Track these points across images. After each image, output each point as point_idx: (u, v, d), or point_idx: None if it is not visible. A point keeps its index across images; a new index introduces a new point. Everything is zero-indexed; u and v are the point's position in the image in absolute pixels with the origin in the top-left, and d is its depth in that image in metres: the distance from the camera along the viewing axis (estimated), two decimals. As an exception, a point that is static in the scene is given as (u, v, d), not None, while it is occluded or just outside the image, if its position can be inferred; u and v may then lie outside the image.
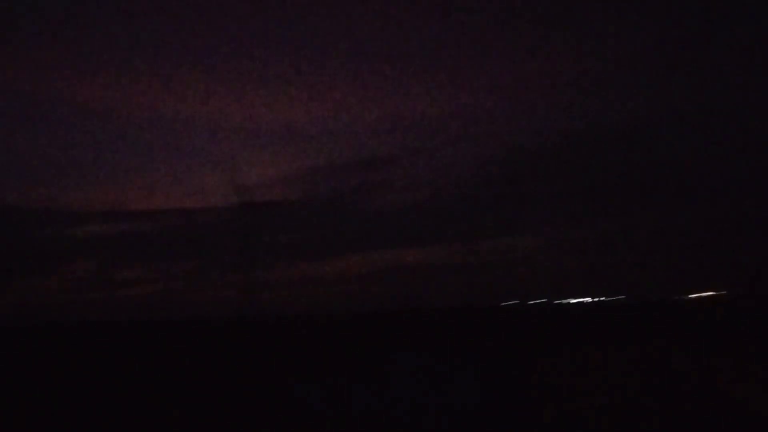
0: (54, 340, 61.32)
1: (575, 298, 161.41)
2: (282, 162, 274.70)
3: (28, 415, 15.25)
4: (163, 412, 14.98)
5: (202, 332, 70.28)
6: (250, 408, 15.37)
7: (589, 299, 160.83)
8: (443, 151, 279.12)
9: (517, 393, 15.90)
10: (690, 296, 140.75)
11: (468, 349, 29.79)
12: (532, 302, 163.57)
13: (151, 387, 20.15)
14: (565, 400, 14.38)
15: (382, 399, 15.97)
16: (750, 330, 33.95)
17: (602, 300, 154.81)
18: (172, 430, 12.96)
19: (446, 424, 12.60)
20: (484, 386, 17.71)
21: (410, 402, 15.34)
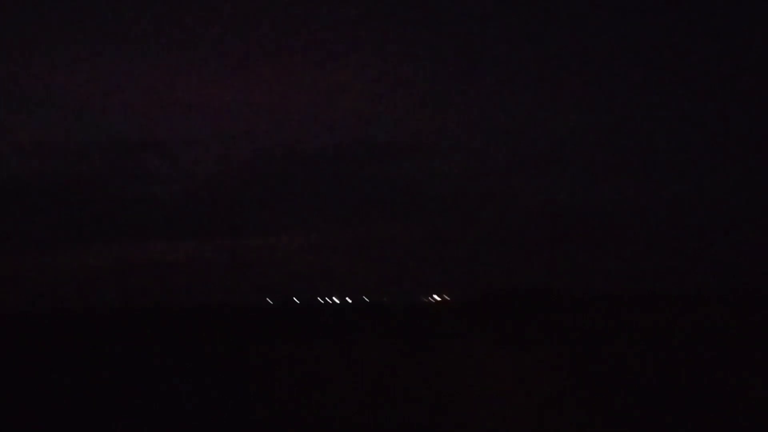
0: None
1: (341, 298, 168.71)
2: (45, 131, 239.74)
3: None
4: None
5: None
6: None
7: (337, 300, 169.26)
8: (218, 142, 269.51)
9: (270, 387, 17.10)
10: (430, 298, 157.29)
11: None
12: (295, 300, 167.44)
13: None
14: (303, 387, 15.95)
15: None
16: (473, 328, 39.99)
17: (362, 300, 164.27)
18: None
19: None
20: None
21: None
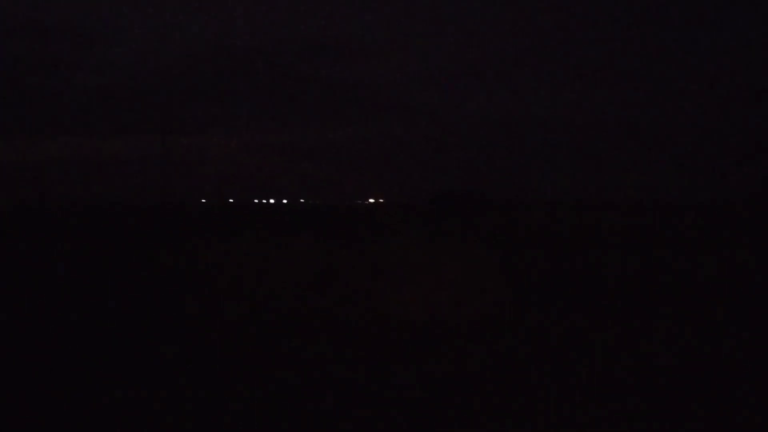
0: None
1: (277, 200, 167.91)
2: None
3: None
4: None
5: None
6: None
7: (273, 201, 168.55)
8: (146, 34, 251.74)
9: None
10: (362, 202, 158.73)
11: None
12: (231, 201, 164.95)
13: None
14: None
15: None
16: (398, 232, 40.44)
17: (298, 202, 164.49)
18: None
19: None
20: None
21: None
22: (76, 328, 11.73)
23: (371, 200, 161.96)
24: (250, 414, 7.15)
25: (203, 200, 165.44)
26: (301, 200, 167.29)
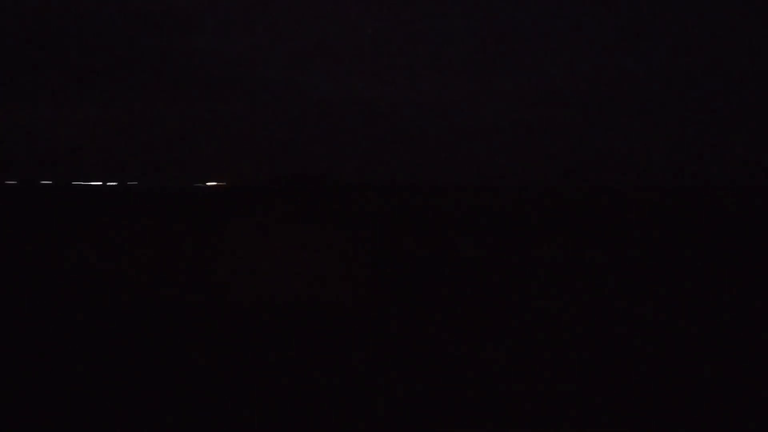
0: None
1: (112, 180, 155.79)
2: None
3: None
4: None
5: None
6: None
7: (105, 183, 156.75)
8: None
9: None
10: (200, 185, 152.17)
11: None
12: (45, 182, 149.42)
13: None
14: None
15: None
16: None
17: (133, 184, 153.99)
18: None
19: None
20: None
21: None
22: None
23: (212, 183, 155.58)
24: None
25: (12, 181, 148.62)
26: (133, 182, 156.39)
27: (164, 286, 13.00)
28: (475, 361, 7.76)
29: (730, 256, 18.39)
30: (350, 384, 6.82)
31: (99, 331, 9.15)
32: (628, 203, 61.60)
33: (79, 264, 16.30)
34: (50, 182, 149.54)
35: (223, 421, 5.76)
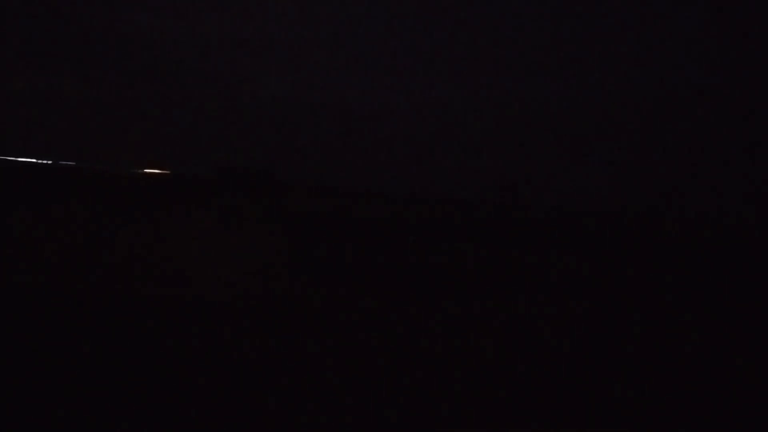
0: None
1: (22, 158, 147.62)
2: None
3: None
4: None
5: None
6: None
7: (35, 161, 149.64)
8: None
9: None
10: (145, 170, 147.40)
11: None
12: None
13: None
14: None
15: None
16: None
17: (47, 163, 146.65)
18: None
19: None
20: None
21: None
22: None
23: (153, 170, 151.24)
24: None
25: None
26: (66, 162, 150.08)
27: (88, 274, 12.86)
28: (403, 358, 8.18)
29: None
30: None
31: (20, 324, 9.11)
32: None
33: None
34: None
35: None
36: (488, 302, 13.24)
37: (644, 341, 10.42)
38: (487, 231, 39.17)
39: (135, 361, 7.37)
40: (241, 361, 7.68)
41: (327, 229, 30.14)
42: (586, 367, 8.56)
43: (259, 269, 15.29)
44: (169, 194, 55.85)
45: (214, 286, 12.54)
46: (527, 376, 7.99)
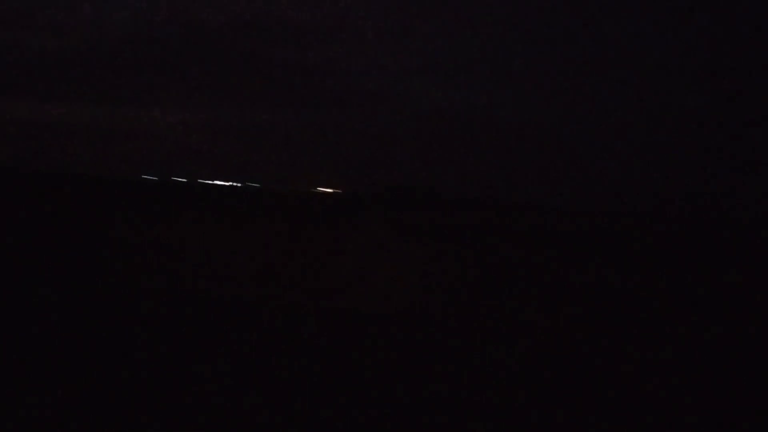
0: None
1: (217, 180, 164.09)
2: None
3: None
4: None
5: None
6: None
7: (228, 183, 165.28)
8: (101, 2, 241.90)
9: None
10: (318, 189, 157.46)
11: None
12: (175, 179, 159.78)
13: None
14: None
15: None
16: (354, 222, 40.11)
17: (238, 185, 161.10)
18: None
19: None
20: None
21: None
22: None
23: (325, 189, 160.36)
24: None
25: (145, 176, 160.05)
26: (248, 183, 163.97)
27: (263, 287, 13.71)
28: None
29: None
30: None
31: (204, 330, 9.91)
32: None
33: (187, 263, 17.60)
34: (177, 178, 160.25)
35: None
36: (667, 319, 12.11)
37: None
38: (665, 246, 36.23)
39: (310, 379, 7.61)
40: (410, 371, 7.67)
41: (490, 242, 29.79)
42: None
43: (427, 283, 15.36)
44: (339, 211, 58.87)
45: (383, 299, 12.76)
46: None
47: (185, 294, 11.92)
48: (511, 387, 7.42)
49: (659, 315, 13.07)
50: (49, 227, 23.41)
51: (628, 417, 6.67)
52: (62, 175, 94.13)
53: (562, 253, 26.38)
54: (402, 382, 7.33)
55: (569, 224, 61.07)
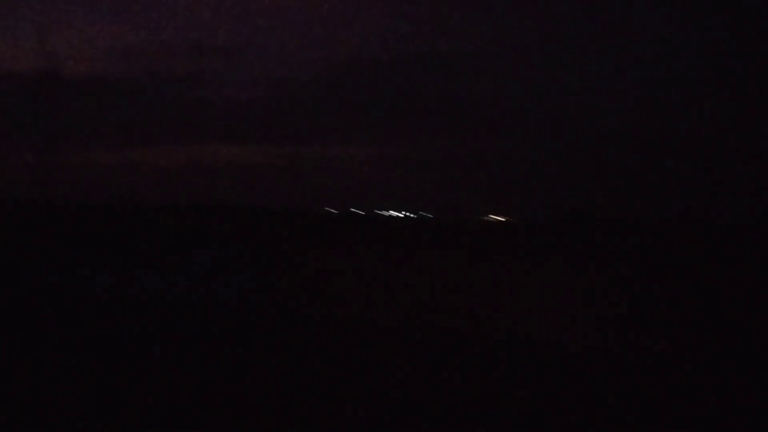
0: None
1: (391, 211, 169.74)
2: (100, 32, 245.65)
3: None
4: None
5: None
6: (34, 285, 15.19)
7: (402, 214, 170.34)
8: (285, 48, 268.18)
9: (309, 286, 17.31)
10: (486, 218, 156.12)
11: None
12: (354, 210, 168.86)
13: None
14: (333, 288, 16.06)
15: (176, 286, 16.60)
16: (525, 248, 39.68)
17: (412, 216, 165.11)
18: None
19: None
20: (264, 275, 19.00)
21: (203, 290, 16.10)
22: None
23: (495, 217, 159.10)
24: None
25: (328, 208, 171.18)
26: (421, 213, 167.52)
27: (448, 319, 13.90)
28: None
29: None
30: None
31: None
32: None
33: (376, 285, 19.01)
34: (354, 210, 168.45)
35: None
36: None
37: None
38: None
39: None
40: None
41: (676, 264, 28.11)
42: None
43: (608, 313, 14.98)
44: (512, 239, 58.34)
45: (565, 331, 12.30)
46: None
47: (361, 321, 12.57)
48: None
49: None
50: (244, 256, 26.57)
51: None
52: (257, 210, 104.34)
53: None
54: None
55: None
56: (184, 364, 8.54)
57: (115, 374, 7.80)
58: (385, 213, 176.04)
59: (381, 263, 26.36)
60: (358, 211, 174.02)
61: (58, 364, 8.15)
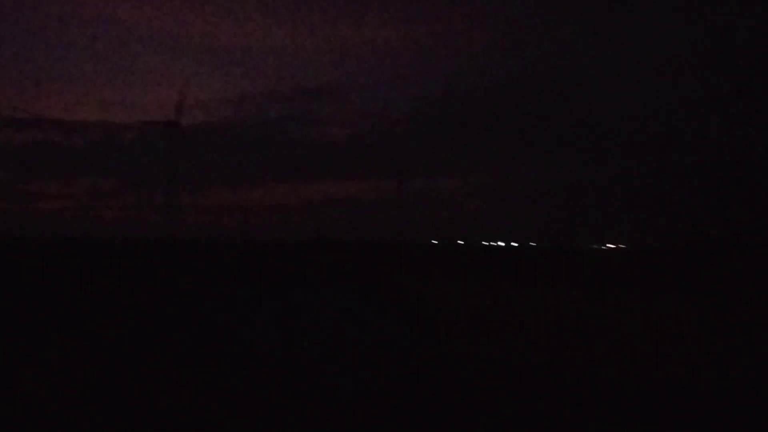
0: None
1: (489, 242, 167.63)
2: (216, 83, 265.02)
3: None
4: (69, 332, 15.19)
5: (121, 252, 69.07)
6: (159, 323, 16.07)
7: (502, 243, 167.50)
8: (382, 86, 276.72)
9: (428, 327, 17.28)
10: (596, 246, 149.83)
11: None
12: (458, 241, 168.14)
13: (57, 306, 20.01)
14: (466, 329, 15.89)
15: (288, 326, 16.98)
16: (643, 278, 37.67)
17: (515, 245, 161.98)
18: (82, 353, 13.19)
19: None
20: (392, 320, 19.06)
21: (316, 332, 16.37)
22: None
23: (610, 245, 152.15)
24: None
25: (434, 241, 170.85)
26: (532, 243, 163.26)
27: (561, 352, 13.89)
28: None
29: None
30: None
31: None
32: None
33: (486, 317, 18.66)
34: (461, 242, 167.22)
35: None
36: None
37: None
38: None
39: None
40: None
41: None
42: None
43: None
44: (625, 267, 55.62)
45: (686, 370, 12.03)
46: None
47: (466, 355, 12.68)
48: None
49: None
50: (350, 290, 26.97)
51: None
52: (365, 244, 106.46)
53: None
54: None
55: None
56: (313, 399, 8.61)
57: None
58: (492, 244, 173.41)
59: (486, 296, 25.81)
60: (461, 243, 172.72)
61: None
